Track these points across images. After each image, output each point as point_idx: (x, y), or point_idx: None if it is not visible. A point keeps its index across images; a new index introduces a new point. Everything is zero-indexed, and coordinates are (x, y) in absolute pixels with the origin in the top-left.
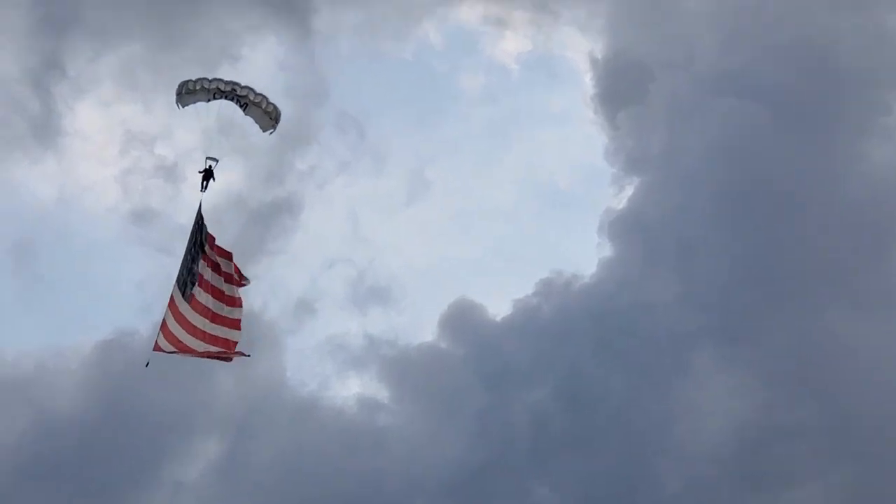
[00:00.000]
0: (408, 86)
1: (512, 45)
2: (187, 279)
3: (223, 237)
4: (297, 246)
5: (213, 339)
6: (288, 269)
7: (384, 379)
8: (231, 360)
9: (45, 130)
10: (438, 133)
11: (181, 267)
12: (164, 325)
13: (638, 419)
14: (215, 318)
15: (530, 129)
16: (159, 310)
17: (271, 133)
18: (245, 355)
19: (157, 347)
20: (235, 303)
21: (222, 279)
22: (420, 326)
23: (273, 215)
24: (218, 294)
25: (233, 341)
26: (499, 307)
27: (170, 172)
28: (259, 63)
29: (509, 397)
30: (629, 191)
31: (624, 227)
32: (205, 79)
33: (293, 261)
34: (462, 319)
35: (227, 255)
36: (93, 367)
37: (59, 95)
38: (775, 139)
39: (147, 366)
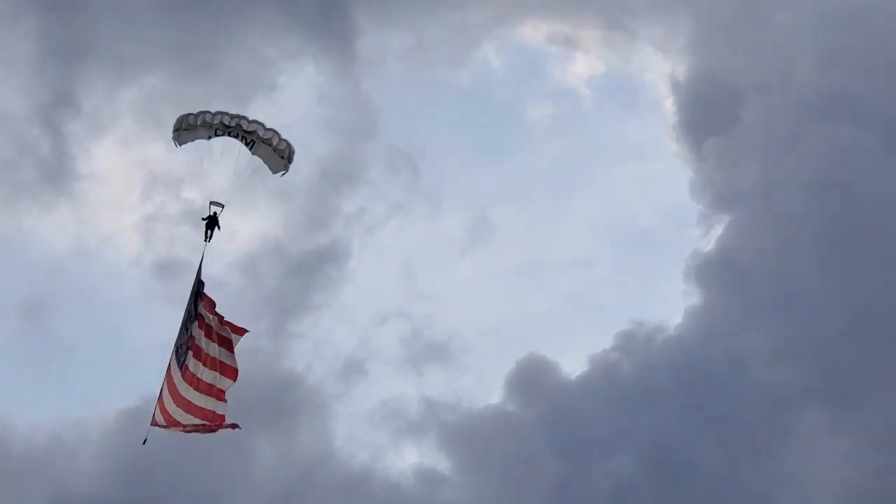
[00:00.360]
0: (466, 116)
1: (583, 67)
2: (182, 345)
3: (259, 290)
4: (345, 299)
5: (199, 411)
6: (335, 325)
7: (445, 448)
8: (216, 431)
9: (58, 174)
10: (502, 169)
11: (179, 331)
12: (160, 397)
13: (734, 491)
14: (203, 387)
15: (606, 163)
16: None
17: (283, 175)
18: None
19: (153, 422)
20: (227, 372)
21: (215, 344)
22: (484, 387)
23: (317, 265)
24: (210, 362)
25: (219, 414)
26: (573, 364)
27: (198, 218)
28: (298, 93)
29: (587, 467)
30: (718, 230)
31: (713, 272)
32: (207, 112)
33: (340, 316)
34: (532, 379)
35: (220, 319)
36: (115, 439)
37: (72, 134)
38: (886, 169)
39: (145, 443)
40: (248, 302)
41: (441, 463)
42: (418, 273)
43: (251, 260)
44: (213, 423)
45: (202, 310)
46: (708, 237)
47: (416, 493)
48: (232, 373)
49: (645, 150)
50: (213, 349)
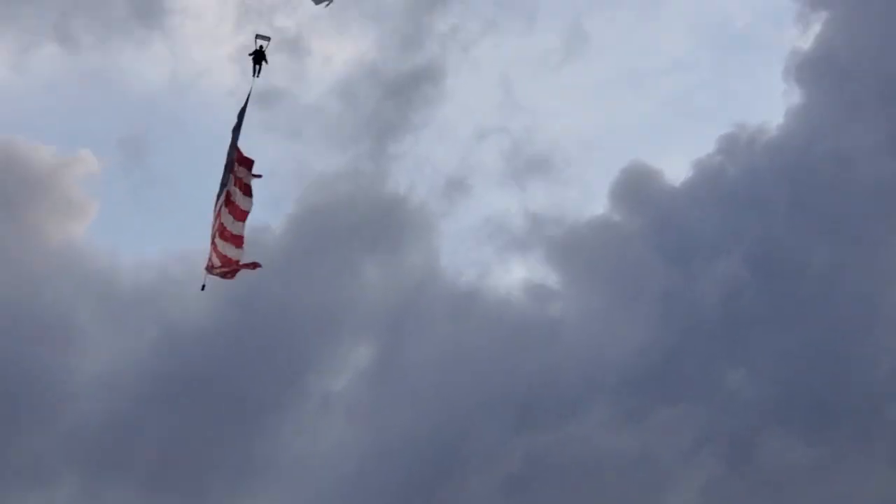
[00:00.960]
0: None
1: None
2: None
3: (358, 114)
4: (443, 118)
5: (222, 258)
6: (434, 144)
7: (552, 261)
8: (233, 276)
9: (150, 9)
10: None
11: (223, 174)
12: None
13: (844, 287)
14: (227, 236)
15: None
16: (291, 202)
17: (327, 6)
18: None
19: (209, 266)
20: (242, 216)
21: (239, 191)
22: (588, 199)
23: (413, 85)
24: (233, 208)
25: (234, 259)
26: (677, 170)
27: (294, 46)
28: None
29: (694, 272)
30: (817, 27)
31: (813, 70)
32: None
33: (440, 135)
34: (636, 187)
35: (248, 164)
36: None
37: None
38: None
39: (203, 289)
40: (347, 126)
41: (549, 277)
42: (516, 88)
43: (348, 84)
44: (231, 267)
45: (235, 168)
46: (806, 35)
47: (526, 308)
48: (243, 216)
49: None
50: (238, 196)
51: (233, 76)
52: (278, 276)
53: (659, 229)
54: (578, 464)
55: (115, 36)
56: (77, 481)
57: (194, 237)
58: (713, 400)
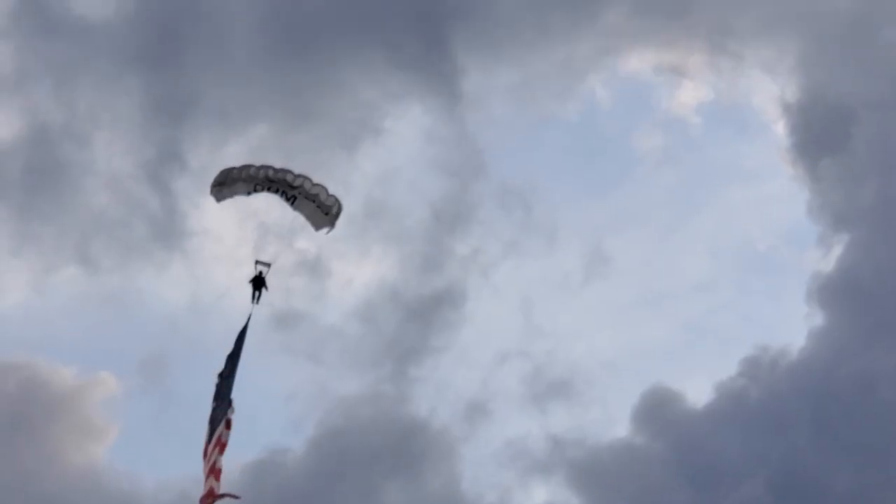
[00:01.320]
0: (575, 150)
1: (690, 95)
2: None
3: (378, 337)
4: (464, 341)
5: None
6: (455, 367)
7: (573, 484)
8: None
9: (169, 232)
10: (614, 201)
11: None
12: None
13: None
14: (215, 470)
15: (719, 189)
16: (313, 424)
17: (328, 233)
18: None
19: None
20: (223, 449)
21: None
22: (610, 422)
23: (434, 308)
24: (219, 442)
25: (216, 492)
26: (699, 393)
27: (313, 268)
28: (404, 136)
29: (718, 496)
30: (838, 250)
31: (835, 292)
32: (251, 166)
33: (460, 358)
34: (658, 410)
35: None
36: (241, 493)
37: (180, 191)
38: None
39: None
40: (367, 349)
41: (571, 500)
42: (536, 310)
43: (368, 307)
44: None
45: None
46: (828, 258)
47: None
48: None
49: (759, 173)
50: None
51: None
52: (298, 500)
53: (681, 453)
54: None
55: (135, 258)
56: None
57: None
58: None
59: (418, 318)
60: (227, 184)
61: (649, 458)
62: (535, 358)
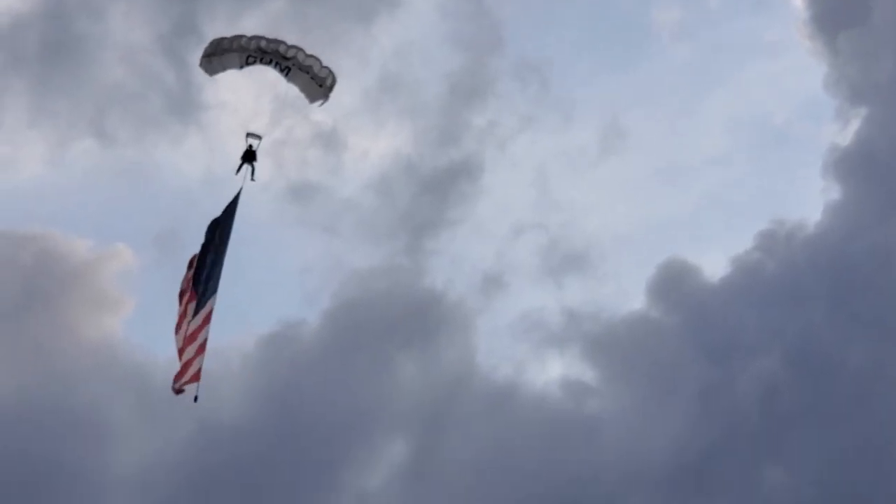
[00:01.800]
0: (593, 25)
1: None
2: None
3: (394, 209)
4: (480, 214)
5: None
6: (471, 240)
7: (589, 358)
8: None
9: (185, 105)
10: (632, 76)
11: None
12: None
13: (884, 384)
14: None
15: (737, 63)
16: (328, 296)
17: (321, 105)
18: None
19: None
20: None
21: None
22: (625, 295)
23: (449, 181)
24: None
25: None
26: (715, 266)
27: (329, 141)
28: (420, 9)
29: (733, 370)
30: (855, 124)
31: (852, 166)
32: (242, 36)
33: (476, 231)
34: (674, 283)
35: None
36: (257, 366)
37: (195, 64)
38: None
39: (196, 400)
40: (382, 221)
41: (586, 373)
42: (552, 183)
43: (384, 179)
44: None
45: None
46: (845, 132)
47: (563, 405)
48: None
49: (777, 48)
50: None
51: (269, 169)
52: (313, 372)
53: (696, 326)
54: None
55: (151, 131)
56: None
57: (229, 333)
58: (751, 498)
59: (434, 190)
60: (218, 54)
61: (664, 332)
62: (551, 231)
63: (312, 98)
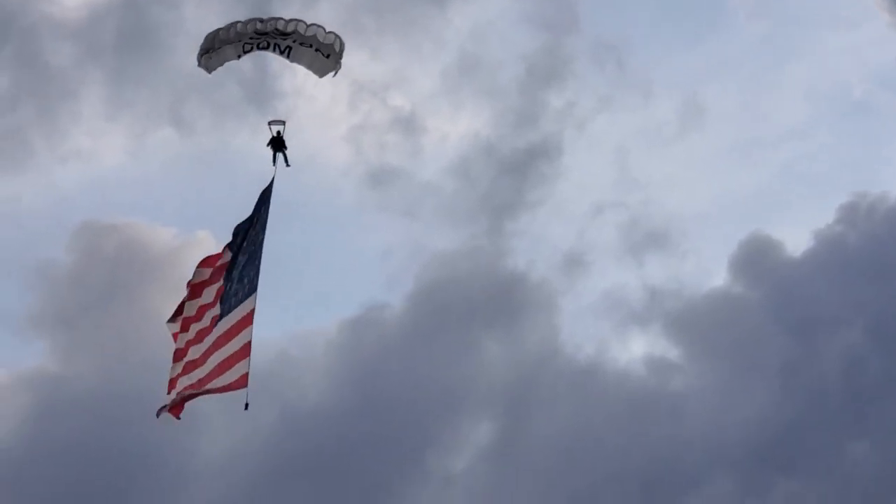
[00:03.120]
0: (669, 1)
1: None
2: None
3: (474, 192)
4: (560, 194)
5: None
6: (552, 221)
7: (672, 335)
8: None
9: (260, 93)
10: (708, 51)
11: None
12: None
13: None
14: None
15: (814, 35)
16: (410, 279)
17: (334, 75)
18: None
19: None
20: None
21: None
22: (707, 271)
23: (529, 162)
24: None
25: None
26: (797, 241)
27: (408, 124)
28: None
29: (817, 344)
30: None
31: None
32: (236, 23)
33: (557, 211)
34: (756, 259)
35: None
36: (340, 350)
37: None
38: None
39: (247, 408)
40: (462, 204)
41: (669, 351)
42: (631, 162)
43: (463, 162)
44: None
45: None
46: None
47: (646, 382)
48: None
49: (854, 19)
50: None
51: (346, 156)
52: (397, 355)
53: (779, 301)
54: None
55: (229, 119)
56: None
57: (312, 318)
58: (835, 473)
59: (513, 172)
60: (215, 48)
61: (747, 308)
62: (632, 209)
63: (322, 71)
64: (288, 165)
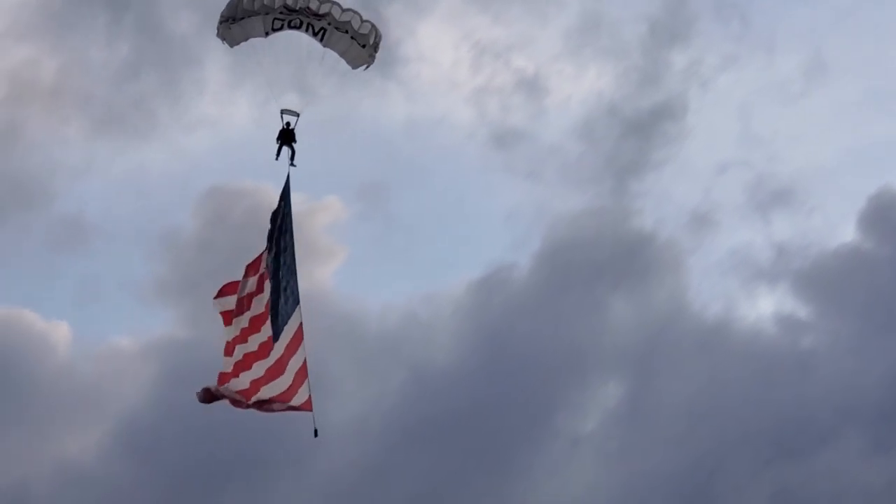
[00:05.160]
0: None
1: None
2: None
3: (598, 153)
4: (685, 153)
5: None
6: (677, 180)
7: (800, 293)
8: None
9: (384, 58)
10: (831, 4)
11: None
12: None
13: None
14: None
15: None
16: (536, 239)
17: (366, 69)
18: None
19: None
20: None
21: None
22: (835, 227)
23: (653, 122)
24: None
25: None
26: None
27: (531, 86)
28: None
29: None
30: None
31: None
32: None
33: (682, 170)
34: (886, 213)
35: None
36: (468, 312)
37: (393, 17)
38: None
39: (316, 435)
40: (587, 165)
41: (798, 309)
42: (756, 119)
43: (587, 123)
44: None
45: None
46: None
47: (775, 340)
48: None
49: None
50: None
51: (470, 118)
52: (525, 316)
53: None
54: (830, 497)
55: (352, 85)
56: None
57: (438, 280)
58: None
59: (637, 132)
60: (238, 18)
61: (877, 264)
62: (757, 167)
63: (355, 62)
64: (293, 165)
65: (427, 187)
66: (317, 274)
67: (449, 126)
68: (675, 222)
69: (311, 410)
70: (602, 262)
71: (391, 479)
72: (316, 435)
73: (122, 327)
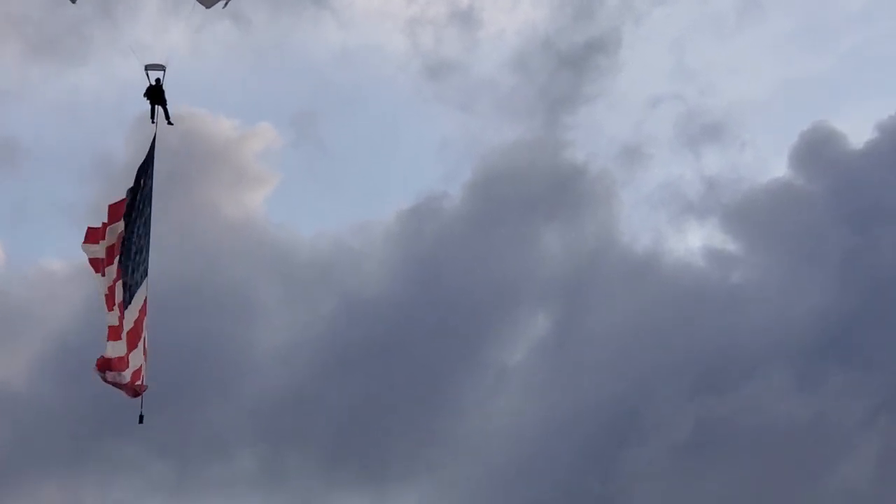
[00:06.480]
0: None
1: None
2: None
3: (532, 86)
4: (617, 87)
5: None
6: (609, 113)
7: (729, 227)
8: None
9: None
10: None
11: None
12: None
13: None
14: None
15: None
16: (467, 170)
17: (225, 6)
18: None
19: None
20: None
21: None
22: (766, 163)
23: (587, 56)
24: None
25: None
26: (860, 132)
27: (466, 18)
28: None
29: (878, 236)
30: None
31: None
32: None
33: (615, 104)
34: (817, 150)
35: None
36: (398, 240)
37: None
38: None
39: (141, 421)
40: (521, 98)
41: (727, 244)
42: (689, 54)
43: (520, 57)
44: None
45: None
46: None
47: (704, 274)
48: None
49: None
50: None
51: (403, 48)
52: (455, 246)
53: (840, 193)
54: (753, 430)
55: (286, 13)
56: (258, 453)
57: (369, 208)
58: (892, 366)
59: (571, 65)
60: None
61: (807, 199)
62: (690, 101)
63: (208, 1)
64: (170, 123)
65: (360, 116)
66: (248, 201)
67: (382, 56)
68: (607, 155)
69: (141, 394)
70: (533, 193)
71: (319, 405)
72: (141, 421)
73: (53, 250)
